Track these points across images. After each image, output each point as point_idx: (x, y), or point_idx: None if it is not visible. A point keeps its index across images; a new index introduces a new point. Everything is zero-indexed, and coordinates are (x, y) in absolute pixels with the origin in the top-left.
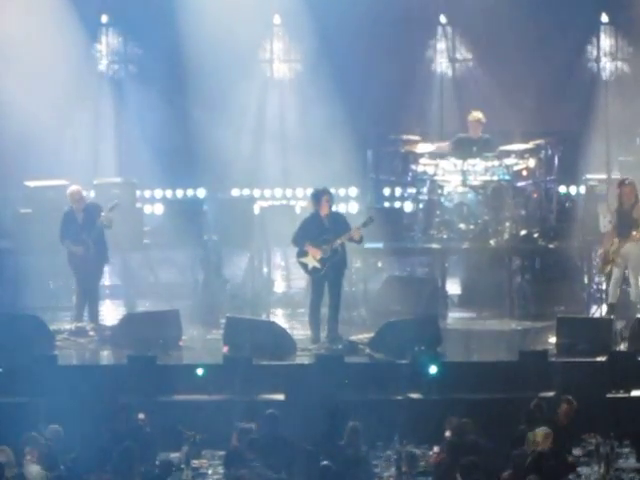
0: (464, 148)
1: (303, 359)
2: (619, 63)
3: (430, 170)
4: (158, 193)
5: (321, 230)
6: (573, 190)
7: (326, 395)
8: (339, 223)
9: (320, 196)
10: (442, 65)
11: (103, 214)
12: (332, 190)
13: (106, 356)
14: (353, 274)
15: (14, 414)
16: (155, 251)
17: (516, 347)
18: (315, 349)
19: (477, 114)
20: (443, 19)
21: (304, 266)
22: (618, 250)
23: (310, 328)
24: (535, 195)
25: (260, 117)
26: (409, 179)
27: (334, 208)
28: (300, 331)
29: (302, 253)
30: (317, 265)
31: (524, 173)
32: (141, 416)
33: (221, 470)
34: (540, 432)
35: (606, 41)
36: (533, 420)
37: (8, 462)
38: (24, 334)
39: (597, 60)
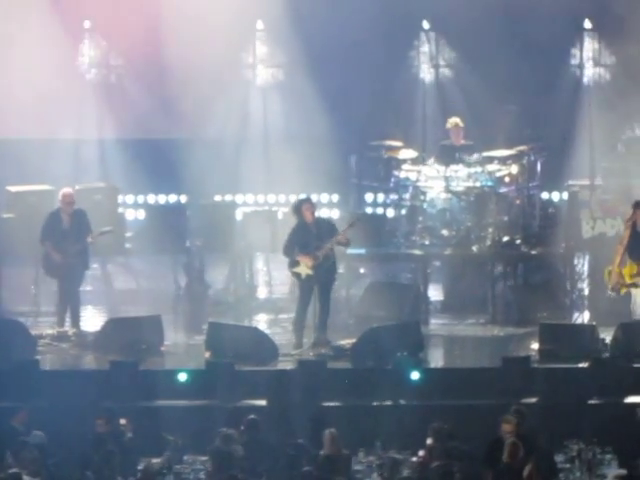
0: (447, 155)
1: (285, 364)
2: (602, 69)
3: (412, 176)
4: (140, 198)
5: (309, 238)
6: (556, 196)
7: (308, 400)
8: (326, 228)
9: (300, 206)
10: (425, 71)
11: (91, 237)
12: (314, 196)
13: (88, 361)
14: (336, 280)
15: None
16: (137, 256)
17: (498, 353)
18: (297, 354)
19: (454, 120)
20: (426, 25)
21: (298, 276)
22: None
23: (294, 334)
24: (518, 201)
25: (242, 122)
26: (392, 185)
27: (316, 214)
28: (282, 336)
29: (294, 263)
30: (310, 272)
31: (507, 179)
32: (123, 421)
33: (203, 475)
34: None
35: (589, 47)
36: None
37: None
38: (6, 339)
39: (580, 66)
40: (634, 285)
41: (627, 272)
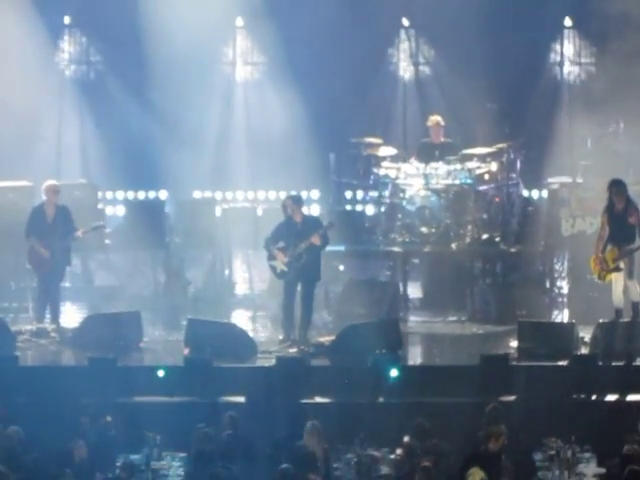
0: (427, 152)
1: (264, 361)
2: (582, 67)
3: (392, 173)
4: (120, 194)
5: (292, 234)
6: (535, 194)
7: (287, 398)
8: (310, 227)
9: (284, 203)
10: (404, 68)
11: (82, 230)
12: (294, 193)
13: (67, 357)
14: (318, 279)
15: None
16: (117, 253)
17: (477, 351)
18: (276, 351)
19: (435, 118)
20: (406, 22)
21: (273, 269)
22: (619, 257)
23: (281, 328)
24: (497, 199)
25: (223, 119)
26: (371, 182)
27: (305, 211)
28: (261, 333)
29: (271, 256)
30: (284, 268)
31: (486, 177)
32: (108, 419)
33: (182, 472)
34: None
35: (569, 45)
36: (492, 424)
37: None
38: None
39: (560, 64)
40: (617, 269)
41: (609, 257)
